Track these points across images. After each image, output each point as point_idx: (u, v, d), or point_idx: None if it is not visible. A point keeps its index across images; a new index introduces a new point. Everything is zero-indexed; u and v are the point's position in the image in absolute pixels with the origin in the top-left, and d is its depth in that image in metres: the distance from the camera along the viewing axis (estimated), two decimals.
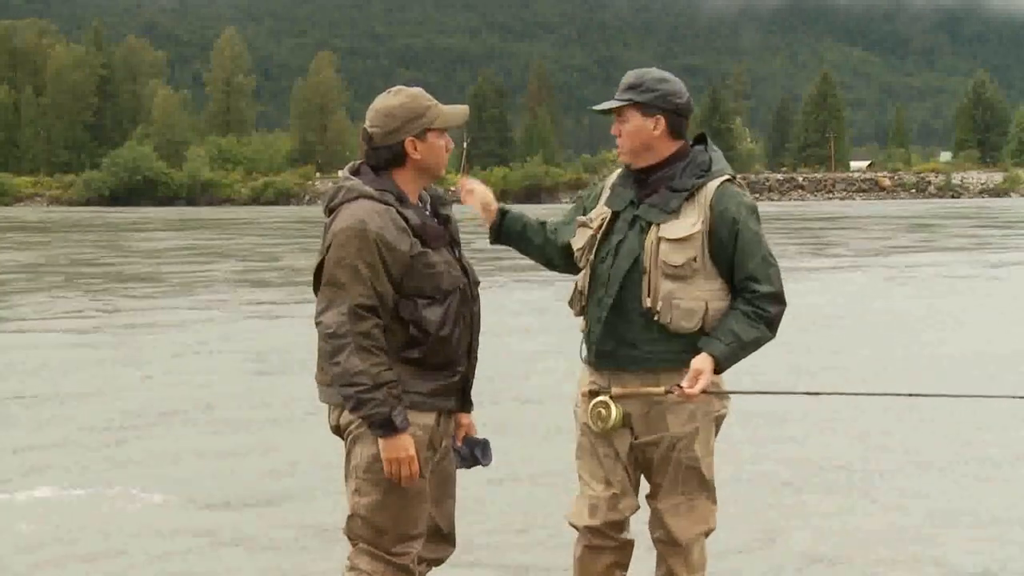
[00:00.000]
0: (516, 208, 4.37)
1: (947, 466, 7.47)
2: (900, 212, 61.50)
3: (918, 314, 15.74)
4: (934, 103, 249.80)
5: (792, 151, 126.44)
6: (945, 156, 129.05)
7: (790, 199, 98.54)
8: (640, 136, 4.01)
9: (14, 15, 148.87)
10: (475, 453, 4.01)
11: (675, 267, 3.91)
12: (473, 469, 4.06)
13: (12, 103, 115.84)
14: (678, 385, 3.87)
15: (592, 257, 4.05)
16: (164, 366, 11.75)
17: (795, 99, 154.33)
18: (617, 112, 4.04)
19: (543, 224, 4.31)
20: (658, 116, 4.00)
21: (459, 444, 4.00)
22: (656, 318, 3.93)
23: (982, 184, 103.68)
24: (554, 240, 4.26)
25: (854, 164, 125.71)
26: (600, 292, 4.01)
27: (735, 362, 3.94)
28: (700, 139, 4.12)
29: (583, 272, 4.10)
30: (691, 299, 3.92)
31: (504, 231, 4.28)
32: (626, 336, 3.98)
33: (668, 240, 3.92)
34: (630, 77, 4.06)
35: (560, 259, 4.28)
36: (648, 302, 3.93)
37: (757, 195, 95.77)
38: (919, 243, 32.82)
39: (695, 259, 3.92)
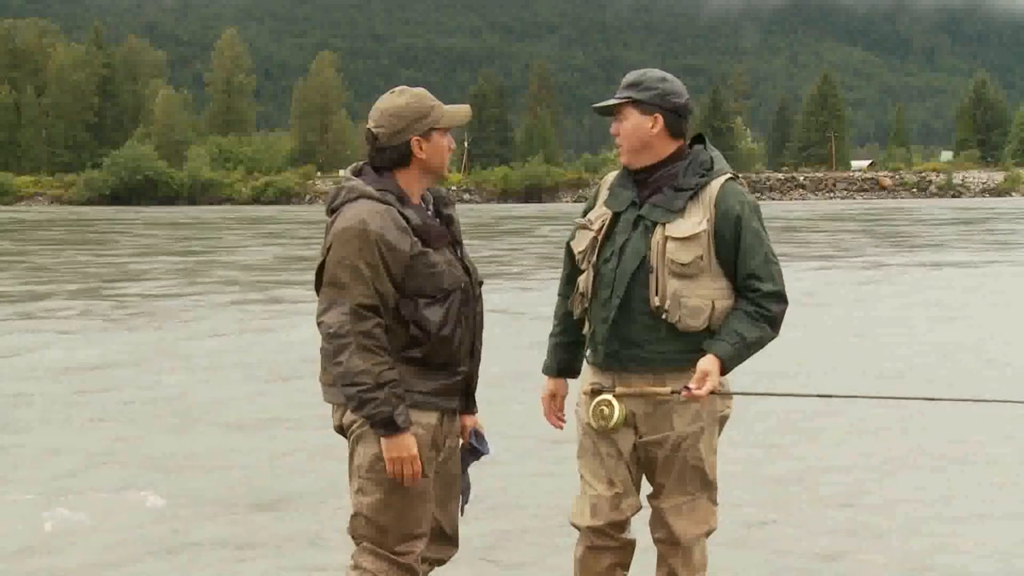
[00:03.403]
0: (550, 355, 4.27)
1: (951, 466, 7.47)
2: (787, 214, 59.69)
3: None
4: (935, 103, 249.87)
5: (793, 151, 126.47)
6: (946, 156, 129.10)
7: (791, 198, 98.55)
8: (638, 134, 4.00)
9: (14, 15, 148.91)
10: (474, 445, 4.02)
11: (682, 265, 3.90)
12: (475, 468, 4.06)
13: (13, 103, 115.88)
14: (686, 387, 3.86)
15: (595, 259, 4.04)
16: (160, 368, 11.76)
17: (796, 99, 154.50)
18: (616, 110, 4.04)
19: (568, 321, 4.21)
20: (656, 115, 4.00)
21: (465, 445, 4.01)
22: (664, 317, 3.92)
23: (983, 184, 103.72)
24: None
25: (855, 164, 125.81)
26: (605, 293, 3.99)
27: (740, 362, 3.94)
28: (698, 139, 4.12)
29: (585, 274, 4.07)
30: (698, 297, 3.92)
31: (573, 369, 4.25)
32: (632, 336, 3.97)
33: (675, 239, 3.91)
34: (631, 76, 4.07)
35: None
36: (656, 301, 3.92)
37: (758, 195, 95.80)
38: None
39: (701, 257, 3.91)
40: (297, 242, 37.14)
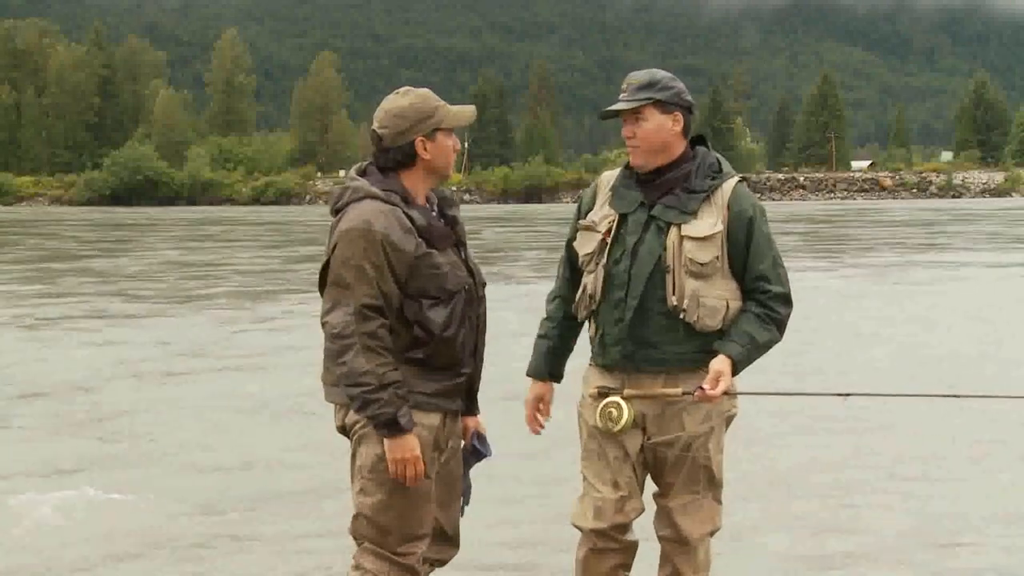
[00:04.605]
0: (541, 356, 4.20)
1: (954, 466, 7.47)
2: None
3: None
4: (935, 103, 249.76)
5: (793, 151, 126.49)
6: (946, 156, 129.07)
7: (791, 199, 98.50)
8: (660, 135, 3.98)
9: (14, 15, 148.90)
10: (476, 447, 4.01)
11: (701, 265, 3.90)
12: (476, 469, 4.06)
13: (14, 103, 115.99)
14: (700, 387, 3.86)
15: (605, 260, 4.01)
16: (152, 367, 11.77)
17: (796, 99, 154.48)
18: (634, 112, 3.99)
19: (563, 325, 4.18)
20: (676, 113, 3.99)
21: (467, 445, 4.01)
22: (682, 316, 3.92)
23: (983, 184, 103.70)
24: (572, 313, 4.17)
25: (855, 164, 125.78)
26: (618, 294, 3.97)
27: (749, 363, 3.94)
28: (697, 140, 4.10)
29: (592, 275, 4.03)
30: (714, 298, 3.93)
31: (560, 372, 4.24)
32: (648, 337, 3.95)
33: (693, 239, 3.91)
34: (642, 77, 4.02)
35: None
36: (674, 300, 3.91)
37: (759, 195, 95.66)
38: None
39: (717, 258, 3.92)
40: (213, 245, 35.84)
